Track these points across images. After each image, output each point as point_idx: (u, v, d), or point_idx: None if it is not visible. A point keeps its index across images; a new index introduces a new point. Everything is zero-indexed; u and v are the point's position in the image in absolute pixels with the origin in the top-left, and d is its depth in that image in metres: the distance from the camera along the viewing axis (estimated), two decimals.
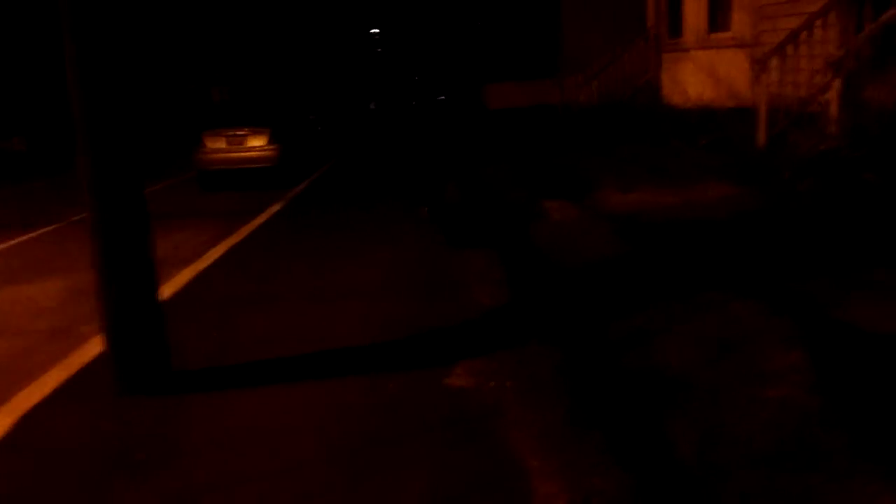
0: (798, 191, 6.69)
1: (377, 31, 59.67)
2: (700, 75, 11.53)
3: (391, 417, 3.56)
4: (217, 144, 13.22)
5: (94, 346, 4.79)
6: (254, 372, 4.31)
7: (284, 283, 6.33)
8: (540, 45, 20.10)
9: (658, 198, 7.31)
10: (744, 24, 10.46)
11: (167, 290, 6.03)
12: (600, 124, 12.68)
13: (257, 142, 13.20)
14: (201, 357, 4.56)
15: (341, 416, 3.61)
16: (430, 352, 4.37)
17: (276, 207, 10.48)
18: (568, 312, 4.63)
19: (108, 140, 3.83)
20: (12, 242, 9.39)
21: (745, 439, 2.89)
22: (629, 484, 2.76)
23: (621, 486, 2.75)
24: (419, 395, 3.77)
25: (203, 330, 5.09)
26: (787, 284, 4.42)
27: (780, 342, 3.61)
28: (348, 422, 3.55)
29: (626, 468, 2.85)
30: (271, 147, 13.22)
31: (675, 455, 2.88)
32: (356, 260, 6.88)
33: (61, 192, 14.13)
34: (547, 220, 7.19)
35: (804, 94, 8.24)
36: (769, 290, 4.27)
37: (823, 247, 5.14)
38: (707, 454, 2.85)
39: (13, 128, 29.81)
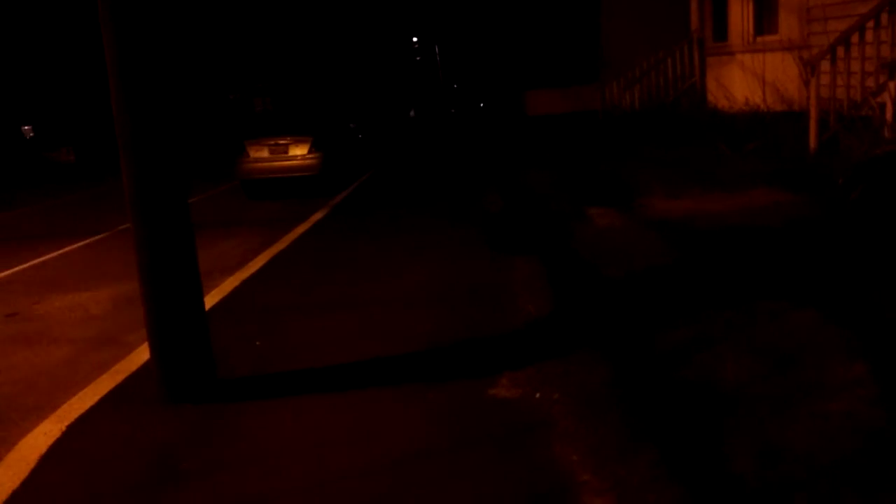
0: (852, 198, 6.47)
1: (416, 39, 60.08)
2: (747, 79, 11.29)
3: (435, 430, 3.49)
4: (260, 153, 13.35)
5: (140, 355, 4.84)
6: (296, 381, 4.29)
7: (327, 292, 6.32)
8: (580, 50, 19.93)
9: (706, 204, 7.14)
10: (792, 27, 10.22)
11: (212, 300, 6.08)
12: (643, 129, 12.49)
13: (299, 150, 13.30)
14: (245, 365, 4.56)
15: (384, 428, 3.56)
16: (475, 361, 4.30)
17: (318, 216, 10.53)
18: (616, 321, 4.51)
19: (149, 152, 3.84)
20: (63, 251, 9.59)
21: (807, 455, 2.77)
22: (685, 500, 2.66)
23: (677, 502, 2.65)
24: (464, 407, 3.69)
25: (247, 338, 5.09)
26: (844, 295, 4.25)
27: (841, 353, 3.47)
28: (391, 434, 3.49)
29: (682, 484, 2.74)
30: (313, 156, 13.31)
31: (733, 470, 2.76)
32: (399, 268, 6.84)
33: (109, 201, 14.43)
34: (591, 226, 7.07)
35: (857, 97, 8.00)
36: (827, 301, 4.11)
37: (881, 257, 4.94)
38: (767, 470, 2.73)
39: (62, 138, 30.64)
